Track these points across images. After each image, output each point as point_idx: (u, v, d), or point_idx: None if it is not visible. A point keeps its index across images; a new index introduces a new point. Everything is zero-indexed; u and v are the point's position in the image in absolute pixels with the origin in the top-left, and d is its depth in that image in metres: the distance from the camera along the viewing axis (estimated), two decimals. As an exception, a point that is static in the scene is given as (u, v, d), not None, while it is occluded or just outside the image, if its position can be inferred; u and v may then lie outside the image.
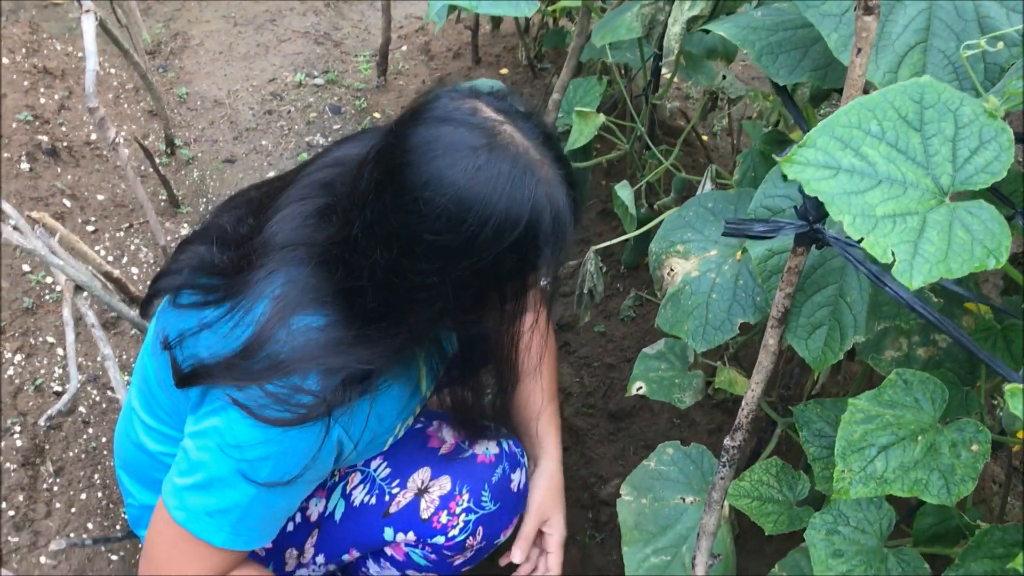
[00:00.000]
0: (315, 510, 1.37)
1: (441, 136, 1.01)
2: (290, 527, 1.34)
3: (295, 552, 1.37)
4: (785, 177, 1.17)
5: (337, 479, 1.37)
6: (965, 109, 0.80)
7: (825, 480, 1.12)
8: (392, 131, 1.07)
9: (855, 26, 0.86)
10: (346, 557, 1.39)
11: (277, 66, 2.95)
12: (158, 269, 2.22)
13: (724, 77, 1.89)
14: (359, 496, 1.35)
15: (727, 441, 1.15)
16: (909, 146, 0.81)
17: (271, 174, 2.56)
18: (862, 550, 1.01)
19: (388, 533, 1.35)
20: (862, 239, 0.76)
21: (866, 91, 0.94)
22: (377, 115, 2.77)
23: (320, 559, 1.39)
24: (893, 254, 0.75)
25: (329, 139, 2.68)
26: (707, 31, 1.41)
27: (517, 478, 1.39)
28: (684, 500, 1.38)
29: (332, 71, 2.93)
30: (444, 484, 1.33)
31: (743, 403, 1.11)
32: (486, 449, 1.37)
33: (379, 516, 1.33)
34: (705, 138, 2.54)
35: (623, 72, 2.17)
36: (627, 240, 1.80)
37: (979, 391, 1.15)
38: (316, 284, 1.09)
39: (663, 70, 1.95)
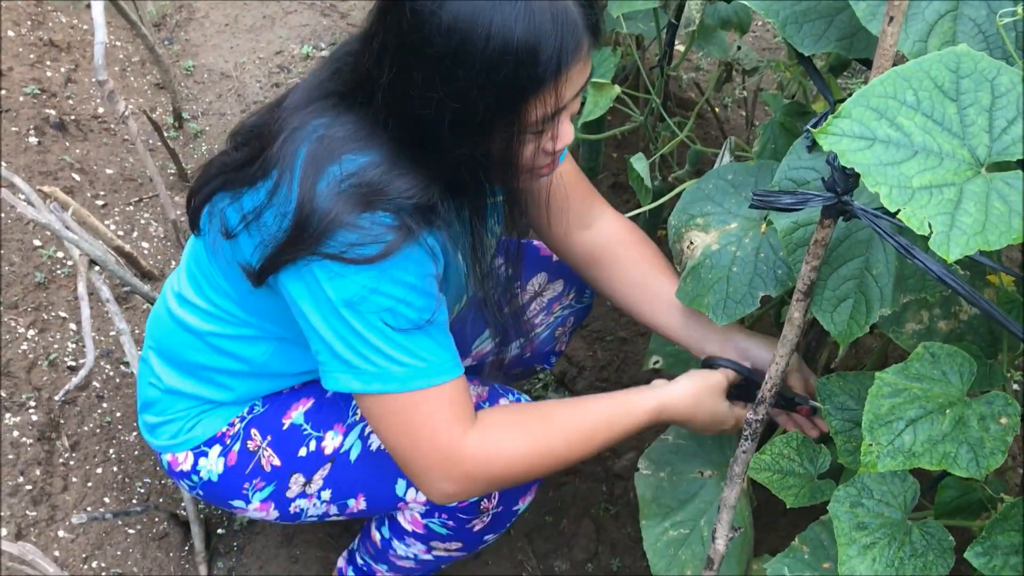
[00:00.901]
0: (331, 443, 1.35)
1: None
2: (303, 452, 1.33)
3: (302, 479, 1.35)
4: (810, 149, 1.17)
5: (357, 417, 1.36)
6: (1003, 78, 0.79)
7: (848, 453, 1.12)
8: None
9: (887, -5, 0.85)
10: (352, 502, 1.37)
11: (283, 38, 2.92)
12: (173, 247, 2.22)
13: (739, 48, 1.87)
14: (376, 441, 1.34)
15: (749, 415, 1.15)
16: (945, 116, 0.79)
17: (280, 147, 2.55)
18: (886, 523, 1.00)
19: (400, 487, 1.34)
20: (898, 211, 0.75)
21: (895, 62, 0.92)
22: (385, 87, 2.75)
23: (326, 494, 1.37)
24: (930, 226, 0.74)
25: (337, 112, 2.67)
26: (729, 0, 1.39)
27: None
28: (702, 474, 1.39)
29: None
30: (557, 287, 1.35)
31: (767, 376, 1.11)
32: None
33: (394, 466, 1.32)
34: (717, 110, 2.52)
35: (637, 43, 2.15)
36: (640, 213, 1.80)
37: (1001, 364, 1.15)
38: (339, 132, 1.09)
39: (677, 41, 1.92)
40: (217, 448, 1.36)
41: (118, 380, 1.92)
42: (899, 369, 0.97)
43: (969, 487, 1.11)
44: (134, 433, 1.83)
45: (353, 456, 1.34)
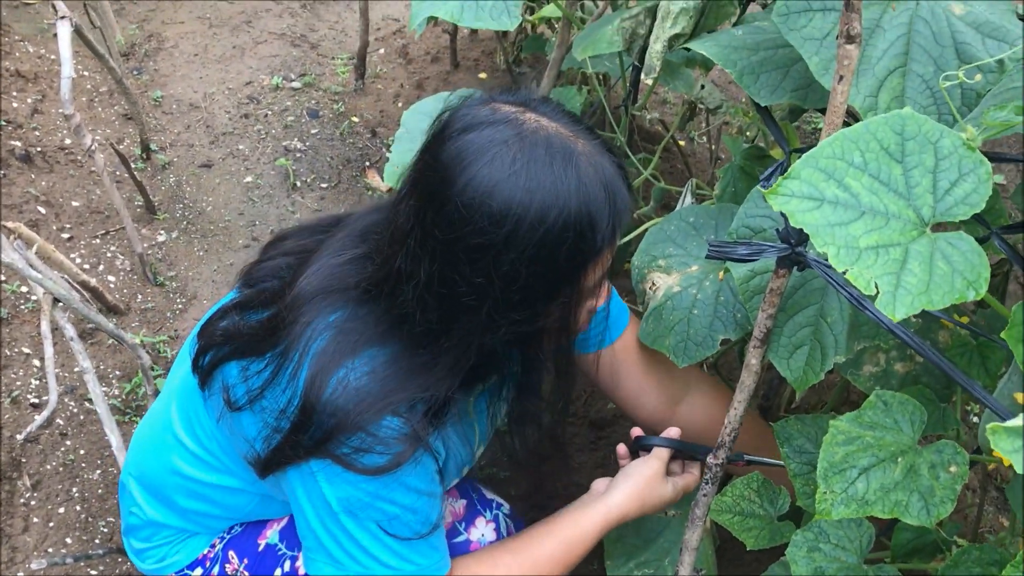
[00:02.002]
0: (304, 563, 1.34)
1: (469, 144, 1.00)
2: (278, 573, 1.31)
3: None
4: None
5: None
6: (945, 141, 0.82)
7: (806, 496, 1.14)
8: (420, 159, 1.06)
9: (837, 54, 0.87)
10: None
11: (253, 69, 2.93)
12: (139, 280, 2.21)
13: (703, 87, 1.90)
14: None
15: (710, 459, 1.16)
16: (891, 178, 0.82)
17: (248, 179, 2.55)
18: (843, 567, 1.02)
19: None
20: (846, 271, 0.77)
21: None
22: (355, 119, 2.76)
23: None
24: (876, 286, 0.76)
25: (307, 144, 2.68)
26: (688, 49, 1.42)
27: None
28: (667, 513, 1.40)
29: (309, 74, 2.92)
30: None
31: (726, 421, 1.13)
32: (482, 535, 1.33)
33: None
34: (682, 143, 2.55)
35: (602, 81, 2.18)
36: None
37: (955, 405, 1.17)
38: (356, 327, 1.08)
39: (642, 79, 1.95)
40: (199, 571, 1.35)
41: (82, 417, 1.90)
42: (853, 417, 0.99)
43: (924, 529, 1.13)
44: (97, 471, 1.81)
45: None
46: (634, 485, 1.27)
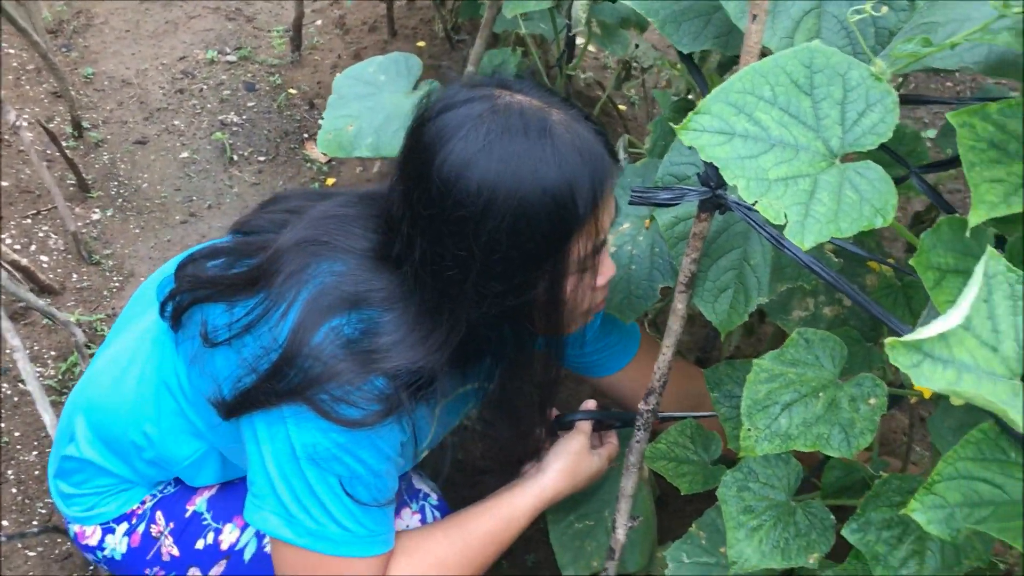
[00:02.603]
0: (228, 538, 1.31)
1: (446, 122, 1.02)
2: (201, 544, 1.30)
3: (198, 573, 1.32)
4: (690, 144, 1.20)
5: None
6: (853, 73, 0.83)
7: (736, 439, 1.15)
8: (404, 144, 1.08)
9: (748, -5, 0.87)
10: None
11: (187, 43, 2.87)
12: (74, 259, 2.16)
13: (637, 46, 1.90)
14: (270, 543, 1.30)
15: (641, 405, 1.17)
16: (800, 110, 0.82)
17: (184, 155, 2.50)
18: (772, 505, 1.04)
19: None
20: (755, 202, 0.77)
21: (764, 56, 0.95)
22: (292, 91, 2.72)
23: None
24: (786, 216, 0.77)
25: (244, 117, 2.63)
26: (614, 1, 1.42)
27: None
28: (605, 465, 1.41)
29: (245, 47, 2.86)
30: None
31: (655, 367, 1.13)
32: (406, 526, 1.31)
33: None
34: (623, 107, 2.56)
35: (538, 43, 2.17)
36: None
37: (881, 346, 1.19)
38: (355, 286, 1.07)
39: (577, 40, 1.95)
40: (124, 526, 1.32)
41: (16, 399, 1.86)
42: (775, 355, 1.00)
43: (853, 467, 1.15)
44: (34, 453, 1.78)
45: (247, 555, 1.31)
46: (564, 463, 1.28)
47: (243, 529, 1.31)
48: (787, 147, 0.81)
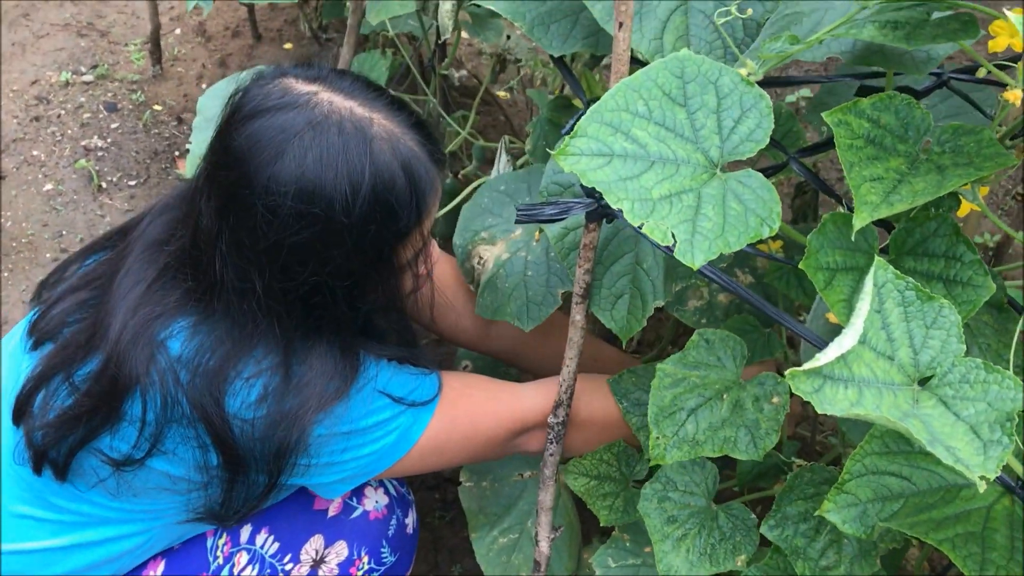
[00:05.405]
0: None
1: (261, 132, 0.97)
2: None
3: None
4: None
5: (222, 560, 1.23)
6: (724, 79, 0.81)
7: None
8: (211, 148, 1.02)
9: (614, 2, 0.85)
10: None
11: (38, 66, 2.70)
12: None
13: (508, 38, 1.87)
14: None
15: (551, 419, 1.15)
16: (676, 122, 0.81)
17: (48, 187, 2.35)
18: (694, 512, 1.03)
19: None
20: (642, 225, 0.76)
21: (634, 59, 0.94)
22: (158, 107, 2.59)
23: None
24: (673, 236, 0.75)
25: (108, 140, 2.49)
26: (478, 5, 1.38)
27: (410, 520, 1.31)
28: (522, 476, 1.39)
29: (102, 64, 2.71)
30: (341, 550, 1.23)
31: (560, 379, 1.12)
32: (376, 503, 1.26)
33: None
34: (503, 94, 2.53)
35: (409, 39, 2.11)
36: (440, 215, 1.78)
37: (779, 330, 1.20)
38: (215, 343, 1.03)
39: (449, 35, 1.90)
40: None
41: None
42: (678, 359, 1.00)
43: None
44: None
45: None
46: None
47: None
48: (667, 163, 0.79)
